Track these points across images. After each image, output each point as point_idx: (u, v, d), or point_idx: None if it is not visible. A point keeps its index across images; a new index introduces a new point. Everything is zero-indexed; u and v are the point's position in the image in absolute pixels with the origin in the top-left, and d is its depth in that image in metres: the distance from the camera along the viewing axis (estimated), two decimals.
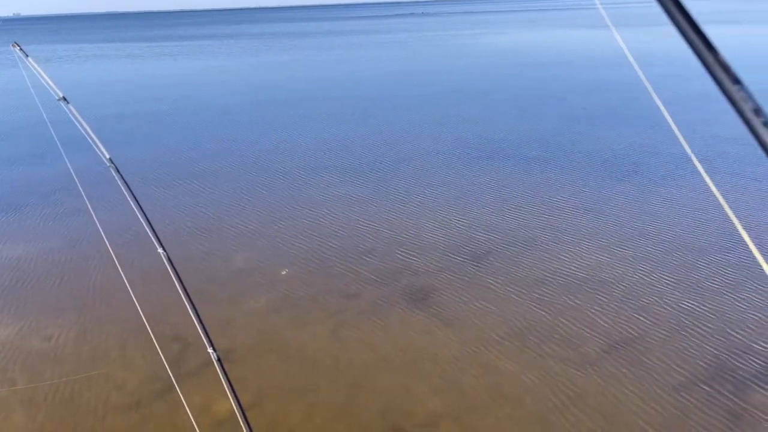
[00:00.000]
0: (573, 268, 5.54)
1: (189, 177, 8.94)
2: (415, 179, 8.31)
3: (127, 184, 3.30)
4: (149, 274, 5.35)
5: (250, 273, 5.52)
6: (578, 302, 4.94)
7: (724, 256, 5.54)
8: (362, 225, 6.74)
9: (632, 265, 5.51)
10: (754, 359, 4.16)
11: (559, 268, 5.53)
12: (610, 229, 6.41)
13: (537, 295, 5.05)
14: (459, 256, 5.86)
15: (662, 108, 1.67)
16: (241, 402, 3.80)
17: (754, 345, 4.30)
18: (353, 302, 4.99)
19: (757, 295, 4.89)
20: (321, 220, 7.03)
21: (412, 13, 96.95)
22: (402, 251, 5.97)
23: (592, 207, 7.06)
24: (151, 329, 3.41)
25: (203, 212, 7.47)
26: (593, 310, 4.81)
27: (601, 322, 4.64)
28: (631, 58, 1.64)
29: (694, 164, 8.43)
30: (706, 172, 8.41)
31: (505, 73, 19.83)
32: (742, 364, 4.11)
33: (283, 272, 5.72)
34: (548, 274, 5.45)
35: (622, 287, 5.15)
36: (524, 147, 9.99)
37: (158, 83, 21.07)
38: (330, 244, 6.29)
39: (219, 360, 2.71)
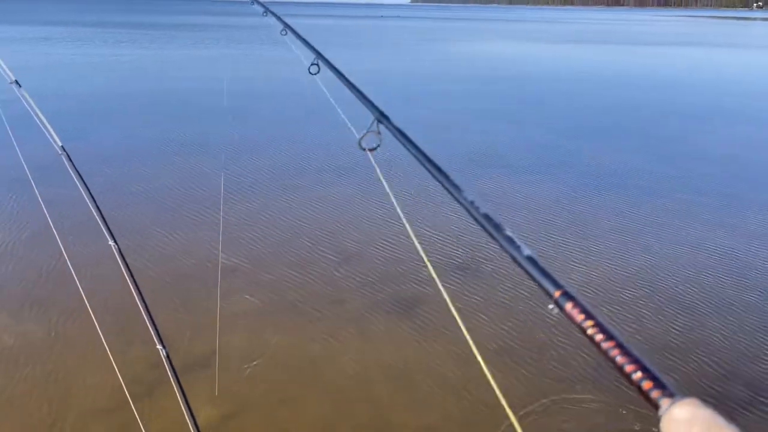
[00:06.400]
0: None
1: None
2: None
3: (79, 174, 3.16)
4: (101, 268, 5.16)
5: (227, 275, 5.34)
6: None
7: None
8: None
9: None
10: None
11: None
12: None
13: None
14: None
15: None
16: (222, 408, 3.66)
17: None
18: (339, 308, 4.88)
19: None
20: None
21: (382, 16, 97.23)
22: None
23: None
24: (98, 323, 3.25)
25: (167, 204, 7.29)
26: None
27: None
28: None
29: None
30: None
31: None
32: None
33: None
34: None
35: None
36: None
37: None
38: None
39: (168, 357, 2.61)
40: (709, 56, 33.43)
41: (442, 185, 1.23)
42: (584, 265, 5.94)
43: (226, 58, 25.81)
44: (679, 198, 8.13)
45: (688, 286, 5.54)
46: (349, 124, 1.98)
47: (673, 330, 4.78)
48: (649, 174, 9.29)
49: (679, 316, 5.00)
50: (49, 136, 3.33)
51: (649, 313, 5.02)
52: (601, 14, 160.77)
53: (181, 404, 2.46)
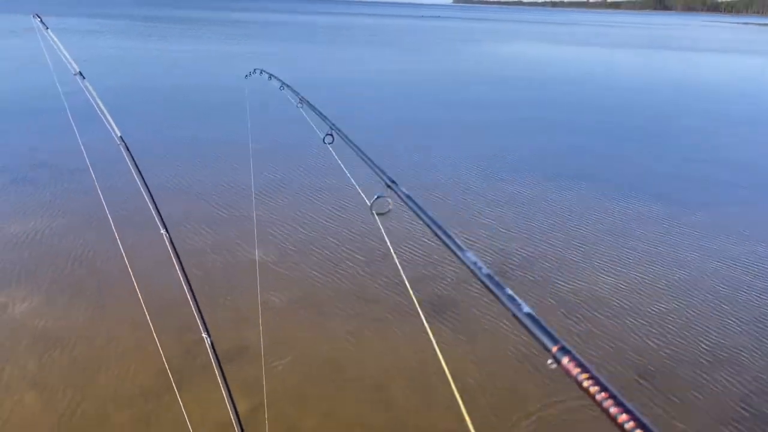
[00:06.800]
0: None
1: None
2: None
3: (135, 163, 3.32)
4: (151, 254, 5.39)
5: (263, 269, 5.51)
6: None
7: None
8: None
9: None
10: None
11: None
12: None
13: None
14: None
15: None
16: (248, 402, 3.80)
17: None
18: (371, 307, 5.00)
19: None
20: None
21: (422, 16, 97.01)
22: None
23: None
24: (149, 313, 3.44)
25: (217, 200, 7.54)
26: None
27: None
28: None
29: None
30: None
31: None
32: None
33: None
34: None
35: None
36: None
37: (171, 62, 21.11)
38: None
39: (212, 346, 2.74)
40: (752, 64, 32.50)
41: (448, 248, 1.30)
42: (612, 276, 5.95)
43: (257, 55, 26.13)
44: (717, 211, 8.03)
45: (721, 302, 5.51)
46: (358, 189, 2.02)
47: (702, 346, 4.79)
48: (690, 184, 9.18)
49: (709, 331, 4.99)
50: (108, 127, 3.51)
51: (675, 329, 5.02)
52: (650, 19, 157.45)
53: (224, 392, 2.58)
